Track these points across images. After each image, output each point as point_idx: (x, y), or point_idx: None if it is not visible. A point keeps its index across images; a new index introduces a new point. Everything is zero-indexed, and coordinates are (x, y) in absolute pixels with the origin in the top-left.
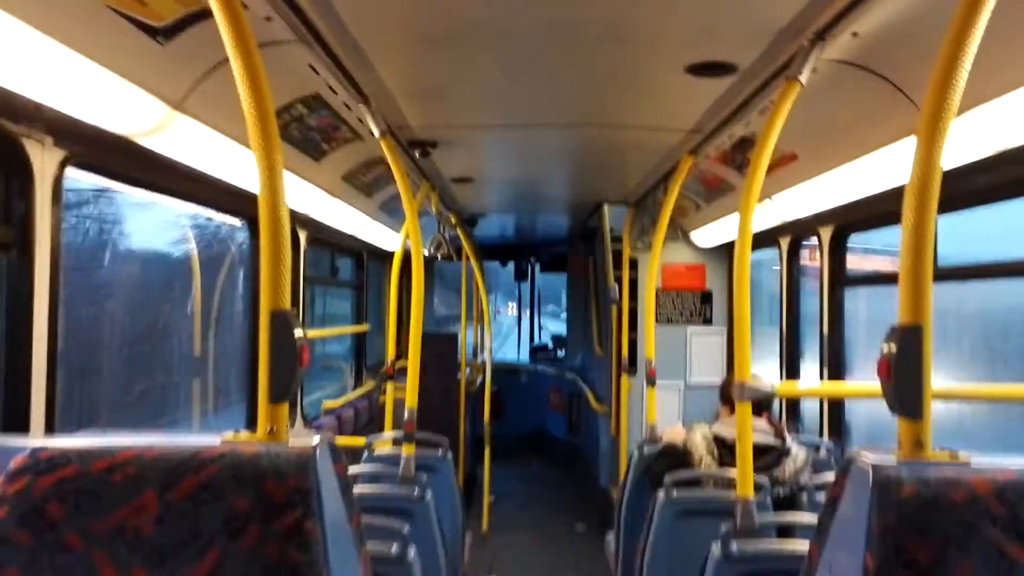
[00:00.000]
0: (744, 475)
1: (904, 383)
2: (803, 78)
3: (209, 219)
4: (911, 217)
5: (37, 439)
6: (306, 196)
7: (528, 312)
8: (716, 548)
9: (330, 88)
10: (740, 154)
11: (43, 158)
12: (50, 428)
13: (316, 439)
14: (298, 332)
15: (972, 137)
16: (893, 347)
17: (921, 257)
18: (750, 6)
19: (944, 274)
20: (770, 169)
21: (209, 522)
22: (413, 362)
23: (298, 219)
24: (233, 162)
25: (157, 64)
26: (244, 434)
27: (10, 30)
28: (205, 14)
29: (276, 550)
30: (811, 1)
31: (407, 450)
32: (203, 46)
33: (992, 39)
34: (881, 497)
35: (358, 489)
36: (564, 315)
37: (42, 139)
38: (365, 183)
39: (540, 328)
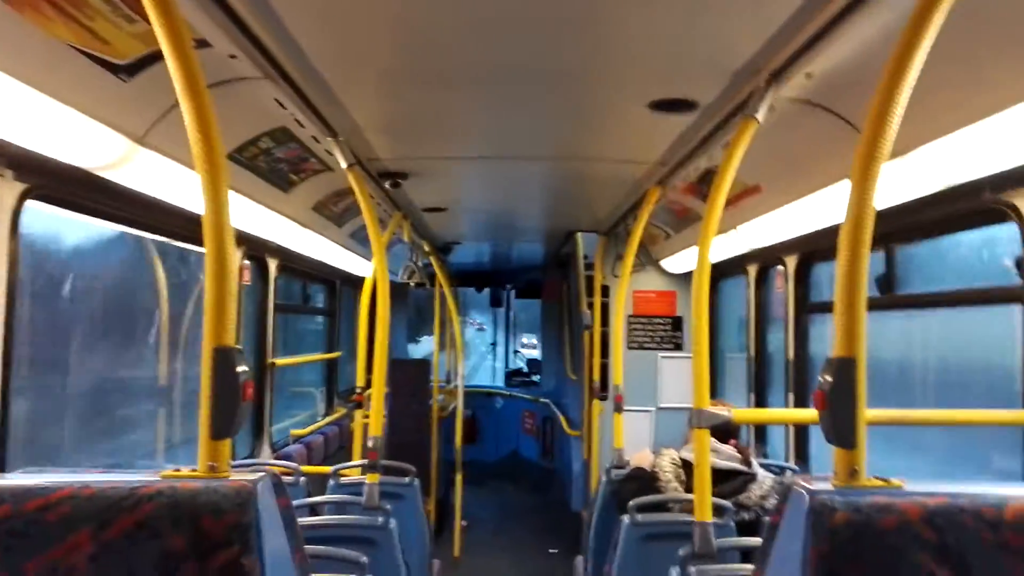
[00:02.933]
0: (702, 499)
1: (838, 413)
2: (760, 116)
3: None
4: (846, 254)
5: None
6: (275, 226)
7: (503, 337)
8: (675, 571)
9: (297, 122)
10: (706, 186)
11: (2, 191)
12: (0, 466)
13: (258, 474)
14: (241, 368)
15: (918, 173)
16: (828, 378)
17: (855, 292)
18: (708, 47)
19: (904, 302)
20: (735, 200)
21: (144, 561)
22: (377, 391)
23: (267, 248)
24: (195, 191)
25: (120, 100)
26: (185, 470)
27: None
28: None
29: None
30: (765, 43)
31: (371, 478)
32: (166, 81)
33: (930, 82)
34: (816, 524)
35: (320, 519)
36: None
37: (2, 172)
38: (336, 213)
39: (515, 353)
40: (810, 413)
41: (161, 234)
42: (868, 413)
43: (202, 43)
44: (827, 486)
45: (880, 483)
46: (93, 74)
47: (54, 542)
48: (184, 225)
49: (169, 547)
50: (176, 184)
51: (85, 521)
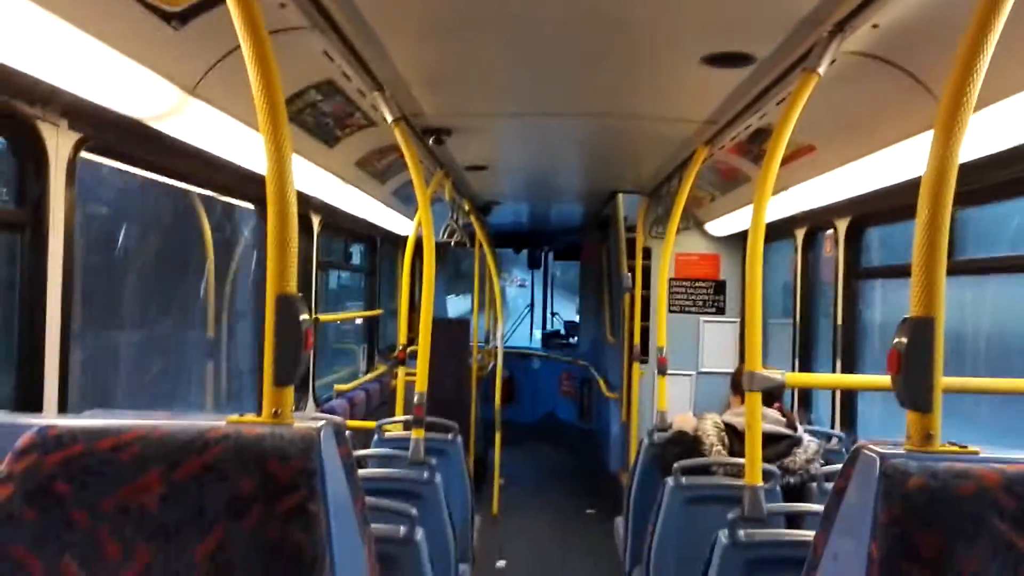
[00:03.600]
0: (752, 462)
1: (914, 376)
2: (821, 70)
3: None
4: (926, 211)
5: (47, 418)
6: (319, 181)
7: (541, 299)
8: (723, 534)
9: (344, 75)
10: (756, 145)
11: (58, 141)
12: (63, 407)
13: (321, 422)
14: (303, 316)
15: (992, 131)
16: (904, 339)
17: (935, 250)
18: None
19: (961, 267)
20: (787, 160)
21: (213, 502)
22: (423, 348)
23: (311, 204)
24: (244, 145)
25: (171, 49)
26: (249, 416)
27: (25, 13)
28: (219, 0)
29: (279, 530)
30: None
31: (417, 433)
32: (218, 31)
33: (1014, 34)
34: (888, 488)
35: (367, 472)
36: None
37: (57, 122)
38: (378, 169)
39: (553, 315)
40: (869, 379)
41: (210, 188)
42: (944, 380)
43: None
44: (899, 451)
45: (955, 449)
46: (145, 21)
47: (126, 481)
48: (230, 178)
49: (238, 489)
50: (226, 137)
51: (155, 461)
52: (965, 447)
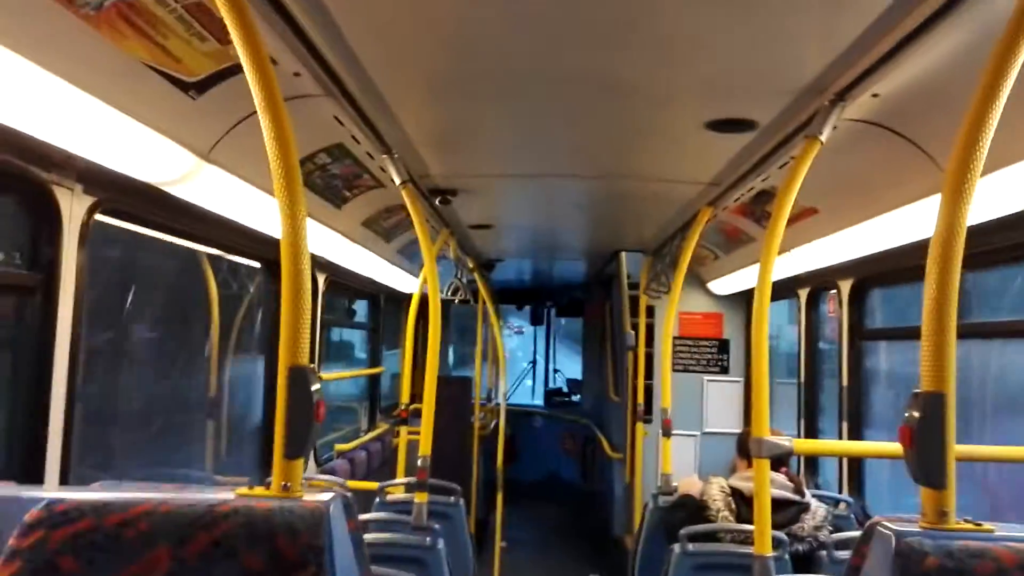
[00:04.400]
0: (762, 532)
1: (927, 451)
2: (823, 137)
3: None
4: (934, 282)
5: (52, 491)
6: (326, 241)
7: (543, 356)
8: None
9: (353, 138)
10: (759, 206)
11: (72, 205)
12: (64, 478)
13: (329, 495)
14: (315, 387)
15: (1000, 195)
16: (916, 414)
17: (944, 322)
18: (771, 65)
19: (973, 331)
20: (790, 222)
21: None
22: (428, 409)
23: (317, 263)
24: (255, 208)
25: (188, 116)
26: (258, 489)
27: (46, 84)
28: (235, 69)
29: None
30: (832, 63)
31: (420, 498)
32: (233, 99)
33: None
34: (904, 567)
35: (369, 537)
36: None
37: (72, 186)
38: (384, 229)
39: (556, 372)
40: (877, 446)
41: (220, 248)
42: (956, 449)
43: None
44: (913, 527)
45: (970, 526)
46: (164, 91)
47: (134, 558)
48: (240, 239)
49: (246, 566)
50: (238, 200)
51: (163, 538)
52: (980, 524)
